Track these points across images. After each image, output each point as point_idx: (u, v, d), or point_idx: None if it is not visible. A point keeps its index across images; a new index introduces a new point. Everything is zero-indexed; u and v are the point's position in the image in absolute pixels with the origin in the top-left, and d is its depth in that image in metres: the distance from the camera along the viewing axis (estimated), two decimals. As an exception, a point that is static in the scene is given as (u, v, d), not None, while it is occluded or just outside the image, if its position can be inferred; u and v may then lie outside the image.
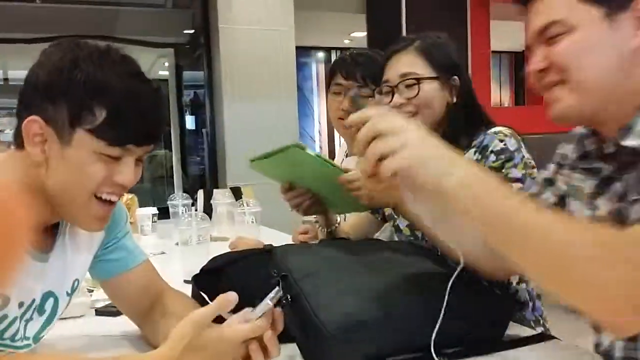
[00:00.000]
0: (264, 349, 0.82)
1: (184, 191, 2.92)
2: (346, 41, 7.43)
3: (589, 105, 0.82)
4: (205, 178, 4.65)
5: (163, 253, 1.92)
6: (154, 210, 2.41)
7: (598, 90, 0.81)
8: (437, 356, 0.92)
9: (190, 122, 5.81)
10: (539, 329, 1.27)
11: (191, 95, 5.85)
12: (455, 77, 1.34)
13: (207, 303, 1.09)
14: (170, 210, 2.37)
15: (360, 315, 0.92)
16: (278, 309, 0.84)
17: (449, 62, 1.35)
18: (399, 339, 0.94)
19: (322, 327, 0.90)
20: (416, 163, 0.75)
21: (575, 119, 0.86)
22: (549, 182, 1.01)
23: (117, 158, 0.87)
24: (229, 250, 1.53)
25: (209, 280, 1.15)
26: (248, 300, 0.94)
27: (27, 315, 0.94)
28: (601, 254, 0.66)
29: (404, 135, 0.76)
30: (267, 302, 0.83)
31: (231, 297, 0.82)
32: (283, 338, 0.85)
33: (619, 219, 0.80)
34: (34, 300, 0.94)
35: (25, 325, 0.94)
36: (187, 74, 5.54)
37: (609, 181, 0.86)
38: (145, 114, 0.87)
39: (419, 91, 1.31)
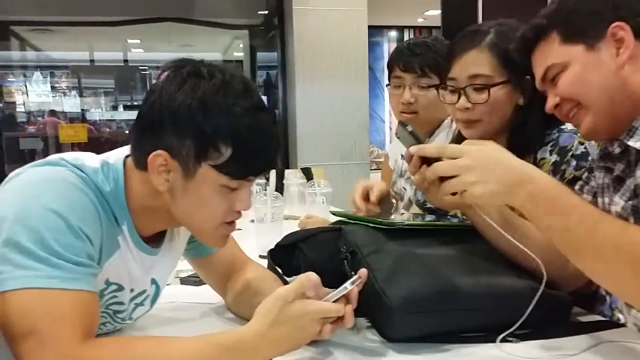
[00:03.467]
0: (337, 320, 0.89)
1: (257, 170, 3.01)
2: (420, 20, 7.31)
3: (605, 120, 0.95)
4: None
5: (239, 229, 2.02)
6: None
7: (605, 104, 0.94)
8: (501, 337, 0.96)
9: (263, 102, 5.93)
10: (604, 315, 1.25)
11: (264, 76, 5.98)
12: (528, 77, 1.22)
13: (282, 275, 1.18)
14: (246, 188, 2.47)
15: (425, 290, 0.96)
16: (355, 288, 0.91)
17: (522, 59, 1.21)
18: (463, 317, 0.98)
19: (388, 301, 0.95)
20: (486, 197, 0.89)
21: (601, 134, 0.99)
22: (585, 182, 1.13)
23: (236, 189, 0.92)
24: (298, 228, 1.60)
25: (283, 255, 1.23)
26: (318, 273, 1.01)
27: (138, 300, 1.04)
28: None
29: (469, 175, 0.89)
30: (346, 287, 0.90)
31: (312, 276, 0.90)
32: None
33: (636, 216, 0.92)
34: (145, 290, 1.04)
35: (135, 309, 1.05)
36: (260, 55, 5.66)
37: (620, 180, 0.98)
38: (267, 147, 0.91)
39: (488, 97, 1.25)
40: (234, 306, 1.17)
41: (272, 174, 3.07)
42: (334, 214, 1.29)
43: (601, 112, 0.95)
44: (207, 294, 1.25)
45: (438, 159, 0.94)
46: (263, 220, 1.75)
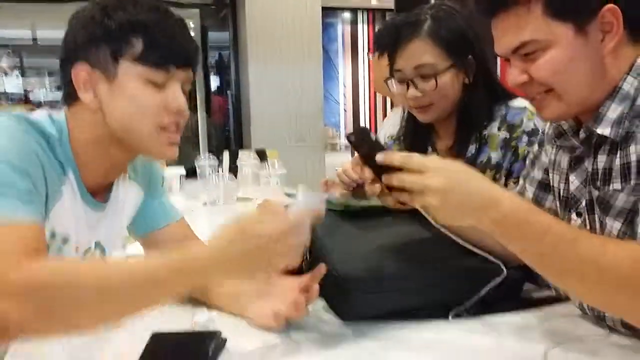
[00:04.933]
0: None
1: (210, 152, 2.97)
2: (373, 1, 7.31)
3: (575, 108, 0.89)
4: (230, 139, 4.70)
5: (191, 211, 1.98)
6: (181, 170, 2.47)
7: (581, 95, 0.87)
8: (453, 314, 0.97)
9: (215, 83, 5.83)
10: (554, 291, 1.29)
11: (216, 57, 5.86)
12: (470, 56, 1.29)
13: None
14: (198, 171, 2.42)
15: (380, 271, 0.96)
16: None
17: (462, 41, 1.28)
18: (417, 295, 0.98)
19: (344, 282, 0.94)
20: (448, 221, 0.82)
21: (565, 118, 0.94)
22: (535, 159, 1.09)
23: (163, 85, 0.93)
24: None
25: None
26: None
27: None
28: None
29: (433, 197, 0.80)
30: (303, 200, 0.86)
31: (273, 200, 0.87)
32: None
33: (602, 206, 0.88)
34: (89, 248, 1.01)
35: None
36: (212, 35, 5.53)
37: (580, 160, 0.94)
38: (176, 35, 0.95)
39: (436, 84, 1.27)
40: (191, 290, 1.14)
41: (225, 155, 3.03)
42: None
43: (575, 102, 0.88)
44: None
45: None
46: (215, 203, 1.72)
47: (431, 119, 1.35)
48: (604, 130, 0.86)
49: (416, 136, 1.42)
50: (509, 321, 0.97)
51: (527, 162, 1.14)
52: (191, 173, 2.58)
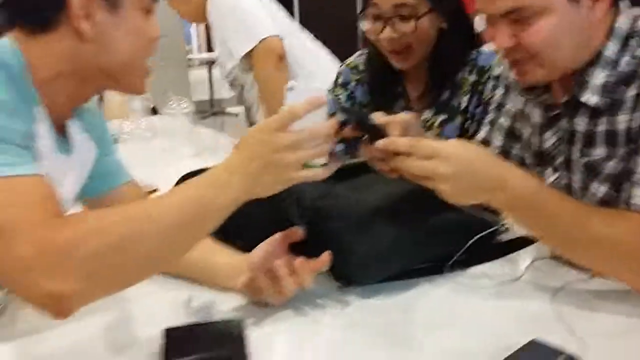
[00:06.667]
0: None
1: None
2: None
3: (556, 74, 0.90)
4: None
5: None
6: None
7: (565, 63, 0.88)
8: (445, 267, 0.99)
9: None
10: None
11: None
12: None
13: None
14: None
15: (386, 236, 0.93)
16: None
17: None
18: (414, 257, 0.98)
19: (354, 252, 0.91)
20: (459, 203, 0.85)
21: (544, 83, 0.94)
22: (501, 105, 1.11)
23: (150, 15, 0.86)
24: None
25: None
26: (259, 228, 0.91)
27: None
28: None
29: (442, 184, 0.81)
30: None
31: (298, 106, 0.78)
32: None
33: (588, 170, 0.92)
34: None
35: None
36: None
37: (556, 117, 0.96)
38: None
39: (415, 27, 1.22)
40: None
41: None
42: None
43: (557, 69, 0.88)
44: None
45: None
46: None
47: (410, 65, 1.29)
48: (588, 98, 0.88)
49: (385, 83, 1.37)
50: (495, 274, 0.99)
51: (492, 107, 1.14)
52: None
